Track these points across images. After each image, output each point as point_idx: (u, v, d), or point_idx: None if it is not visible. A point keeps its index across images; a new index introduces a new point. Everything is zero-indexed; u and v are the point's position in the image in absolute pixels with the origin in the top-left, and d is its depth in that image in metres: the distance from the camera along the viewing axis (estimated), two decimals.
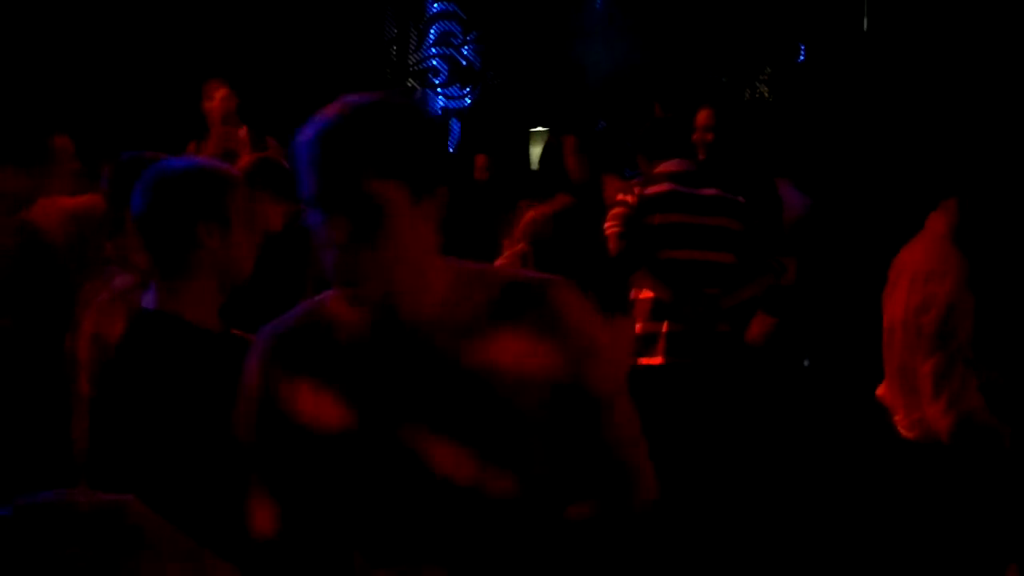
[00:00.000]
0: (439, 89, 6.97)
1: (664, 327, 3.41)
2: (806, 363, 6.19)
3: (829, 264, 6.29)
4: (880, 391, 2.93)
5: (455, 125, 6.98)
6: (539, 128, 6.48)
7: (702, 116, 5.07)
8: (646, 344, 3.41)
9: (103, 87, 5.34)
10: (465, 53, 6.96)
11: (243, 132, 5.22)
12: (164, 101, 5.47)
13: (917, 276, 2.74)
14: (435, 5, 6.87)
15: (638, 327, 3.42)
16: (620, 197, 3.73)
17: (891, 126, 6.85)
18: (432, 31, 6.90)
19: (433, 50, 6.91)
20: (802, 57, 7.54)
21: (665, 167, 3.73)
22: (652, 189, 3.65)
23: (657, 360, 3.40)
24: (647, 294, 3.46)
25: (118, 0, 5.49)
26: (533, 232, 2.69)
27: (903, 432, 2.82)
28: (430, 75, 6.90)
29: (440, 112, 6.96)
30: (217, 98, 5.21)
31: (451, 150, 6.87)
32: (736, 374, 3.57)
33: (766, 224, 3.71)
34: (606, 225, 3.71)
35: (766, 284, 3.69)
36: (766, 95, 7.44)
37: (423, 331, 1.22)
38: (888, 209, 6.23)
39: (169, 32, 5.63)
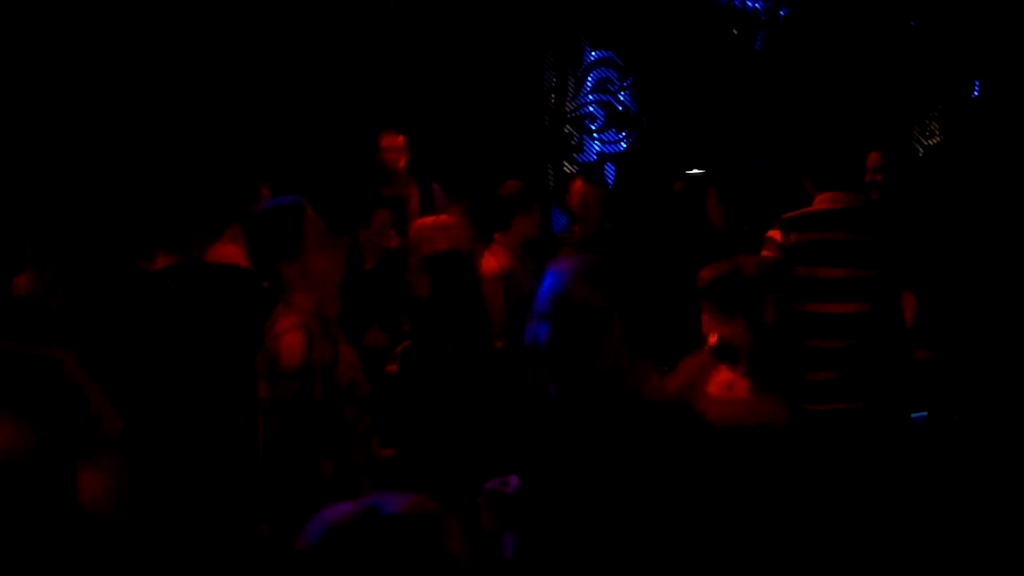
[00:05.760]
0: (596, 135, 7.13)
1: (825, 375, 3.42)
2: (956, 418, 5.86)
3: (993, 315, 5.94)
4: None
5: (610, 169, 7.13)
6: (694, 171, 6.51)
7: (873, 158, 4.99)
8: (815, 391, 3.40)
9: (268, 142, 5.81)
10: (621, 98, 7.10)
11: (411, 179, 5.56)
12: (334, 153, 5.89)
13: None
14: (593, 53, 7.06)
15: (808, 376, 3.41)
16: (770, 234, 3.57)
17: None
18: (590, 78, 7.08)
19: (590, 96, 7.08)
20: (976, 93, 7.21)
21: (822, 200, 3.57)
22: (800, 237, 3.53)
23: (823, 407, 3.37)
24: (814, 343, 3.44)
25: (286, 59, 5.98)
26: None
27: None
28: (587, 121, 7.07)
29: (596, 157, 7.14)
30: (393, 146, 5.57)
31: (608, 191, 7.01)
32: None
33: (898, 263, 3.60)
34: None
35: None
36: (937, 133, 7.15)
37: None
38: None
39: (340, 87, 6.08)
